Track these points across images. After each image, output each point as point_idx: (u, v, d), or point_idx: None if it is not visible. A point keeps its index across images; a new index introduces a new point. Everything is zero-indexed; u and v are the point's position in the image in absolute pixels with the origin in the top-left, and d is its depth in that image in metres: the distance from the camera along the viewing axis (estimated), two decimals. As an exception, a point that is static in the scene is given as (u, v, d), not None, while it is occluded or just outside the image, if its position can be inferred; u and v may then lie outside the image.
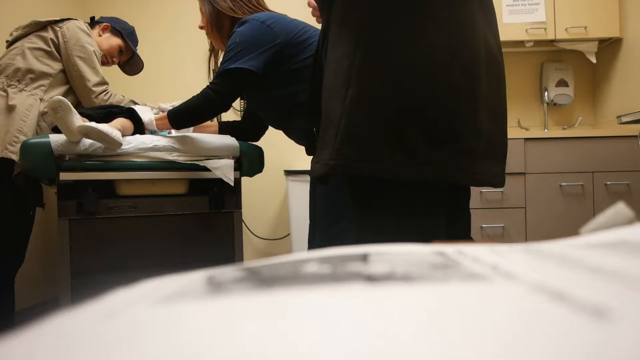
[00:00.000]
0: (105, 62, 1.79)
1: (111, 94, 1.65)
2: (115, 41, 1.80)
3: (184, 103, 1.39)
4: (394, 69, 0.69)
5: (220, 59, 1.54)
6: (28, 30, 1.60)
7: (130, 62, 1.91)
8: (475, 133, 0.72)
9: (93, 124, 1.27)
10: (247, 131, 1.63)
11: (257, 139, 1.67)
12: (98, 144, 1.34)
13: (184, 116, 1.39)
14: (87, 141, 1.34)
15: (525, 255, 0.19)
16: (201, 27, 1.47)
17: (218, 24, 1.43)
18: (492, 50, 0.76)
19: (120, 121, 1.39)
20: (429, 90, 0.69)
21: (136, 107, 1.50)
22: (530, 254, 0.19)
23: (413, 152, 0.69)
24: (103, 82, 1.64)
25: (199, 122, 1.45)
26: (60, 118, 1.27)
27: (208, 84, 1.36)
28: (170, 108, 1.45)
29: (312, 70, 0.91)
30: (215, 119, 1.68)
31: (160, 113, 1.50)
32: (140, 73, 1.96)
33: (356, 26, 0.73)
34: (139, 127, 1.45)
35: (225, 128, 1.64)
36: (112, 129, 1.30)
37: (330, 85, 0.77)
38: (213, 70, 1.58)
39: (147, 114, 1.48)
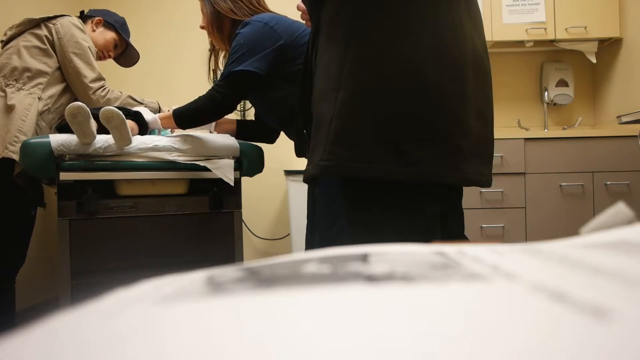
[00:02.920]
0: (101, 57, 1.78)
1: (108, 90, 1.64)
2: (110, 35, 1.79)
3: (190, 103, 1.40)
4: (383, 71, 0.70)
5: (221, 59, 1.56)
6: (22, 29, 1.59)
7: (124, 54, 1.89)
8: (463, 132, 0.72)
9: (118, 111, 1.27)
10: (264, 133, 1.64)
11: (273, 141, 1.68)
12: (98, 145, 1.34)
13: (189, 116, 1.40)
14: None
15: (525, 255, 0.19)
16: (202, 27, 1.48)
17: (219, 24, 1.44)
18: (479, 51, 0.78)
19: (129, 123, 1.39)
20: (418, 90, 0.70)
21: (136, 109, 1.51)
22: (530, 254, 0.19)
23: (403, 152, 0.69)
24: (100, 78, 1.64)
25: (203, 122, 1.46)
26: (78, 123, 1.27)
27: (213, 85, 1.37)
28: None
29: (302, 74, 0.92)
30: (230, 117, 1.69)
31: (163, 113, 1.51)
32: (135, 69, 1.95)
33: (346, 29, 0.73)
34: (143, 131, 1.45)
35: (242, 128, 1.65)
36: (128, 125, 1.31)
37: (320, 88, 0.77)
38: (213, 70, 1.58)
39: (148, 114, 1.48)
